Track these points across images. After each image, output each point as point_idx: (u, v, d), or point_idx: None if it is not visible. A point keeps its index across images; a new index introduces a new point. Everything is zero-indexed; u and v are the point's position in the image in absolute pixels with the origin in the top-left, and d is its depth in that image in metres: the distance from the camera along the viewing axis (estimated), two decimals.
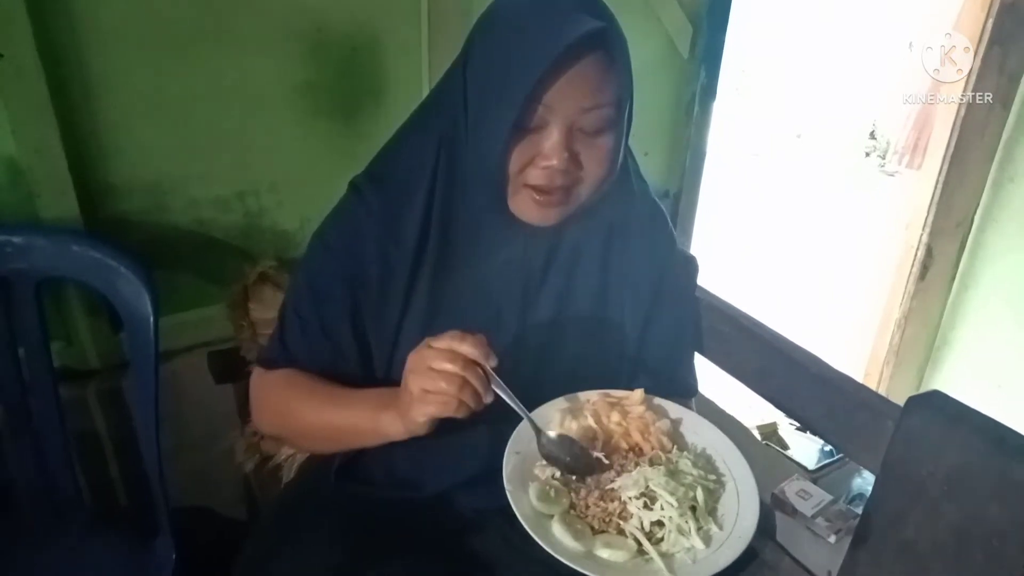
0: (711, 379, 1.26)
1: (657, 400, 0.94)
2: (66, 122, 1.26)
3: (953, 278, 2.56)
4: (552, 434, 0.86)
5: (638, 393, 0.92)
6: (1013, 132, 2.31)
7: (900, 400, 0.93)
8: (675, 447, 0.89)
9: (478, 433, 1.00)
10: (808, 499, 1.24)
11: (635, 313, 1.03)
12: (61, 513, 1.31)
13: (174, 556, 1.22)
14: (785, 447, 1.53)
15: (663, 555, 0.77)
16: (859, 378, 1.10)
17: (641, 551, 0.78)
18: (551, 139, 0.84)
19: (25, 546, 1.27)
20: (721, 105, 2.07)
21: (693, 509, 0.81)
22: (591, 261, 1.00)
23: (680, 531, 0.78)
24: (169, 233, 1.44)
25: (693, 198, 2.17)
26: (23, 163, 1.25)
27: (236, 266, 1.47)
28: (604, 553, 0.76)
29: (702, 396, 1.25)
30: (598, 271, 1.01)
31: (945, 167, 2.38)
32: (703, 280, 1.25)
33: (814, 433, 1.39)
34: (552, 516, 0.80)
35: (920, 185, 2.46)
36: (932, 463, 0.86)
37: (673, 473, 0.83)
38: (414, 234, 0.92)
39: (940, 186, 2.40)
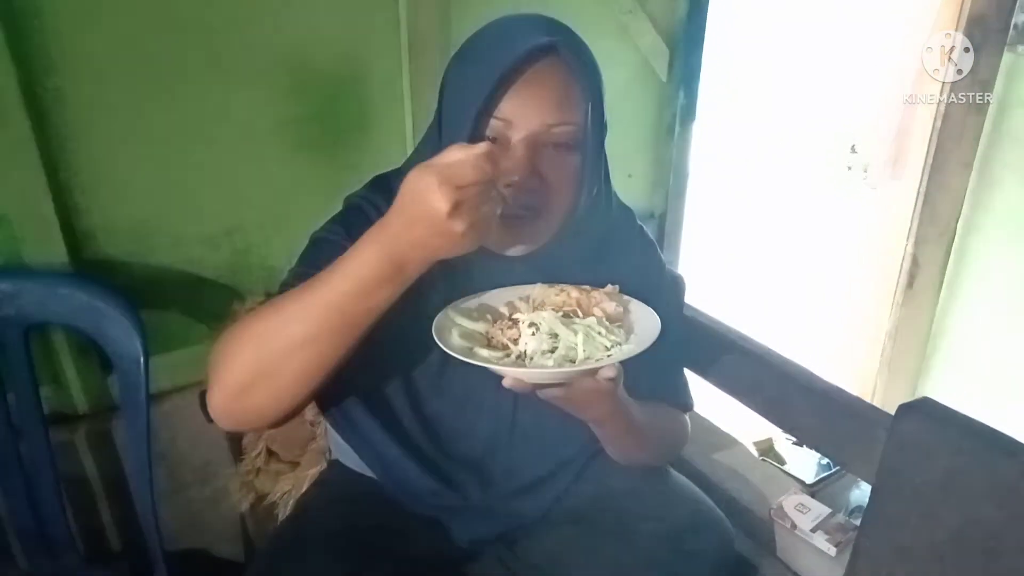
0: (706, 397, 1.26)
1: (626, 296, 0.95)
2: (50, 164, 1.27)
3: (940, 286, 2.57)
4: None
5: (611, 288, 0.94)
6: (990, 138, 2.35)
7: (894, 412, 0.93)
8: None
9: (473, 468, 1.00)
10: (807, 513, 1.24)
11: None
12: (55, 557, 1.30)
13: None
14: (782, 462, 1.53)
15: (519, 361, 0.83)
16: (852, 390, 1.11)
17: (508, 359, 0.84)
18: (514, 156, 0.85)
19: None
20: (702, 125, 2.10)
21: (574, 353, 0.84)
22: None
23: (544, 356, 0.82)
24: (157, 272, 1.44)
25: (678, 218, 2.19)
26: (8, 208, 1.25)
27: (225, 303, 1.47)
28: (479, 351, 0.83)
29: (696, 414, 1.26)
30: None
31: (925, 177, 2.41)
32: (691, 298, 1.26)
33: (807, 444, 1.39)
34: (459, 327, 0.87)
35: (902, 196, 2.49)
36: (926, 468, 0.87)
37: (569, 322, 0.86)
38: None
39: (922, 196, 2.43)
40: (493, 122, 0.84)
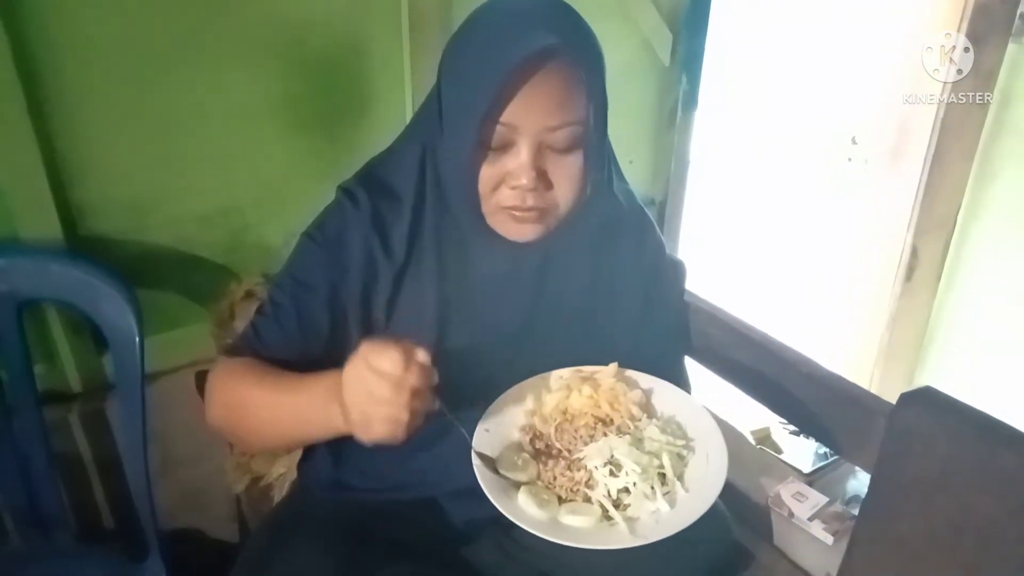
0: (703, 385, 1.26)
1: (629, 372, 0.94)
2: (45, 141, 1.25)
3: (939, 277, 2.57)
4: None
5: (612, 367, 0.92)
6: (991, 130, 2.33)
7: (892, 401, 0.93)
8: (645, 416, 0.89)
9: (463, 446, 0.99)
10: (804, 501, 1.24)
11: (626, 322, 1.03)
12: (49, 536, 1.30)
13: None
14: (779, 451, 1.53)
15: (628, 519, 0.78)
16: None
17: (606, 516, 0.78)
18: (518, 159, 0.84)
19: (13, 568, 1.26)
20: (704, 112, 2.08)
21: (662, 476, 0.82)
22: (580, 273, 1.00)
23: (645, 496, 0.78)
24: (152, 251, 1.43)
25: (679, 205, 2.18)
26: (2, 184, 1.24)
27: (221, 283, 1.46)
28: (569, 520, 0.77)
29: None
30: (587, 283, 1.00)
31: (926, 168, 2.40)
32: (691, 284, 1.25)
33: (806, 433, 1.39)
34: (518, 486, 0.81)
35: (903, 187, 2.48)
36: (925, 457, 0.86)
37: (639, 441, 0.83)
38: (402, 246, 0.92)
39: (922, 187, 2.42)
40: (497, 128, 0.83)
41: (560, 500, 0.81)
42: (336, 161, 1.54)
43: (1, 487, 1.28)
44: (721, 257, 2.67)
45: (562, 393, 0.90)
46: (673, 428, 0.88)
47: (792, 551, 1.22)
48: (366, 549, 0.90)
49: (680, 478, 0.82)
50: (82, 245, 1.34)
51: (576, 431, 0.87)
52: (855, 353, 2.75)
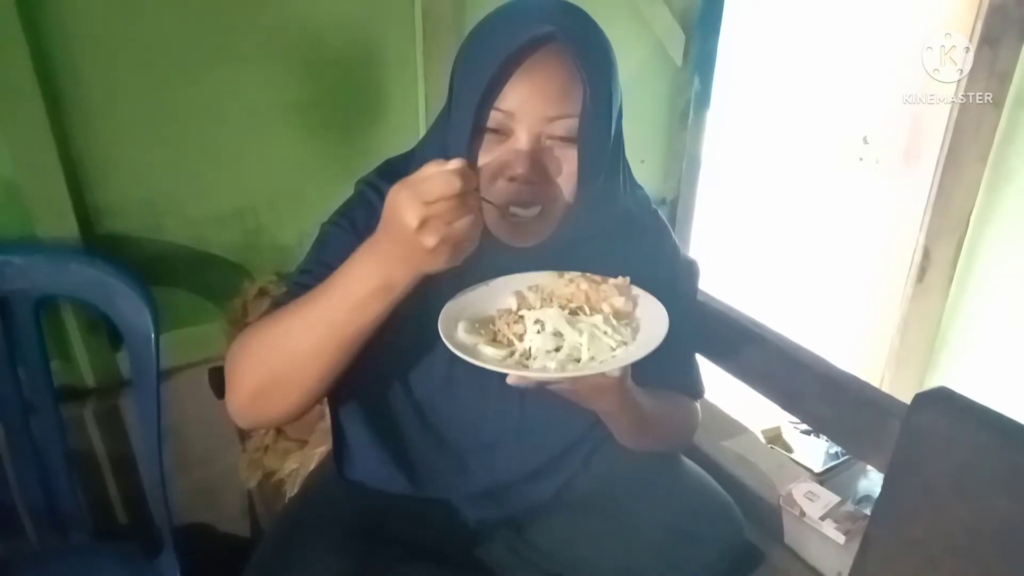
0: (716, 384, 1.26)
1: (636, 290, 0.93)
2: (63, 141, 1.27)
3: (951, 279, 2.56)
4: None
5: (622, 279, 0.92)
6: (1006, 131, 2.32)
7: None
8: (610, 315, 0.89)
9: (481, 452, 1.00)
10: (816, 501, 1.24)
11: None
12: (64, 531, 1.31)
13: (179, 573, 1.21)
14: (790, 451, 1.52)
15: (520, 363, 0.81)
16: None
17: (511, 356, 0.82)
18: (516, 147, 0.84)
19: (28, 564, 1.26)
20: (716, 112, 2.08)
21: (578, 353, 0.83)
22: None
23: (546, 352, 0.81)
24: (167, 250, 1.44)
25: (690, 205, 2.18)
26: (21, 183, 1.25)
27: (235, 282, 1.47)
28: (481, 348, 0.82)
29: (705, 400, 1.25)
30: None
31: (940, 169, 2.39)
32: (702, 284, 1.25)
33: (820, 433, 1.39)
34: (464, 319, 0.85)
35: (915, 188, 2.47)
36: (940, 460, 0.86)
37: (575, 321, 0.85)
38: None
39: (936, 188, 2.41)
40: (495, 114, 0.83)
41: (495, 340, 0.84)
42: (349, 163, 1.55)
43: (18, 484, 1.29)
44: (732, 257, 2.67)
45: (563, 282, 0.91)
46: (625, 330, 0.87)
47: (804, 550, 1.22)
48: (380, 549, 0.91)
49: (592, 359, 0.83)
50: (99, 244, 1.35)
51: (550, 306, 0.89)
52: (866, 354, 2.74)
